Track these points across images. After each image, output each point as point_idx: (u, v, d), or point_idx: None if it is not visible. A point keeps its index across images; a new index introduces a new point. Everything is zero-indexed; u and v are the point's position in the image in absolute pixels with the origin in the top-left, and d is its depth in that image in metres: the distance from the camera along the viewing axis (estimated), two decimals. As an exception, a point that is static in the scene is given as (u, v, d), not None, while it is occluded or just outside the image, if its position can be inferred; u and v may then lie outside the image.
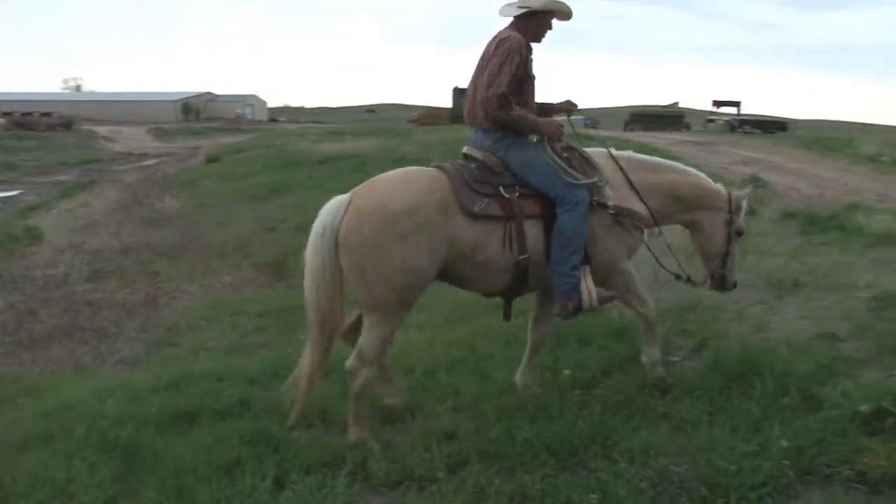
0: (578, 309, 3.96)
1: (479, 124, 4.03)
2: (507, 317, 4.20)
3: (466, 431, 3.77)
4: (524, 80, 3.96)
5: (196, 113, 76.87)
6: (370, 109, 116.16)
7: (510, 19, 4.03)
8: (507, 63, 3.84)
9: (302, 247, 3.82)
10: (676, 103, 57.11)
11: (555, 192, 3.92)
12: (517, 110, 3.86)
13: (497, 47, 3.91)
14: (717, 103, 41.22)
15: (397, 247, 3.61)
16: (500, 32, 4.02)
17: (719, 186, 4.51)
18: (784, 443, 3.34)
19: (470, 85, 4.08)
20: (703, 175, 4.52)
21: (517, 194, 3.91)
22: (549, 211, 3.93)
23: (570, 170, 3.95)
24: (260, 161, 23.60)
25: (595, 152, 4.23)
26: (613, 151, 4.32)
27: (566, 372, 4.58)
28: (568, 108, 4.36)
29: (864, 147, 19.83)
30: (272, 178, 19.16)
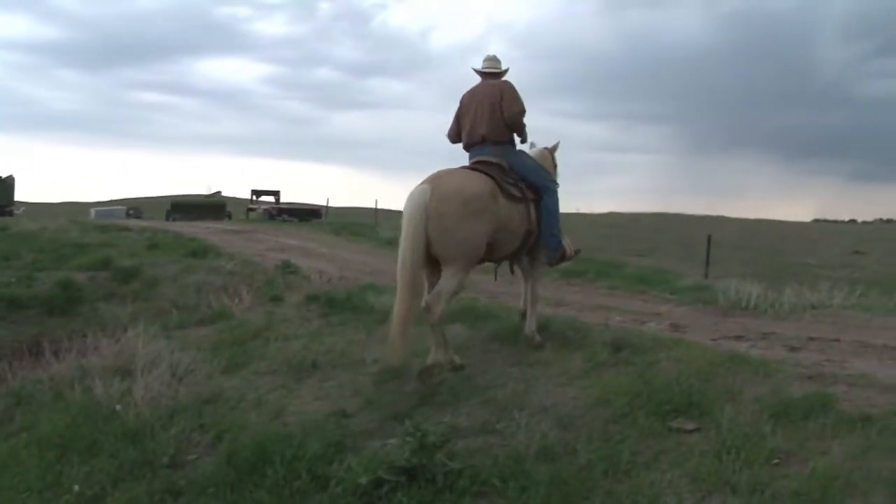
0: (563, 258, 6.03)
1: (496, 135, 5.78)
2: (497, 276, 6.44)
3: None
4: None
5: None
6: None
7: (490, 74, 6.00)
8: (517, 94, 5.80)
9: None
10: (219, 192, 57.56)
11: (540, 183, 5.88)
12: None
13: (500, 90, 5.79)
14: (256, 193, 42.38)
15: (470, 220, 5.17)
16: (485, 84, 5.93)
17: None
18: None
19: (469, 119, 5.84)
20: None
21: (524, 185, 5.75)
22: (538, 196, 5.79)
23: (541, 170, 6.02)
24: None
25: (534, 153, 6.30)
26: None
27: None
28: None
29: (383, 232, 22.09)
30: None
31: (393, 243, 20.45)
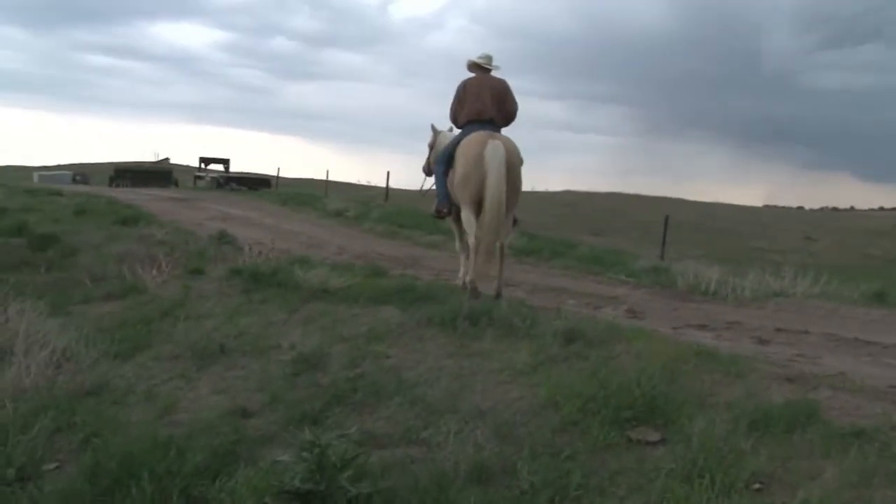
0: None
1: (501, 121, 6.87)
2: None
3: None
4: None
5: None
6: None
7: (487, 69, 7.06)
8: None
9: None
10: (167, 159, 55.70)
11: None
12: None
13: (505, 86, 6.94)
14: (205, 160, 40.90)
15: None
16: (489, 77, 7.01)
17: None
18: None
19: (479, 102, 6.78)
20: None
21: None
22: None
23: None
24: None
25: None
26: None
27: None
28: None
29: (331, 203, 21.19)
30: None
31: (340, 215, 19.82)
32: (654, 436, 3.50)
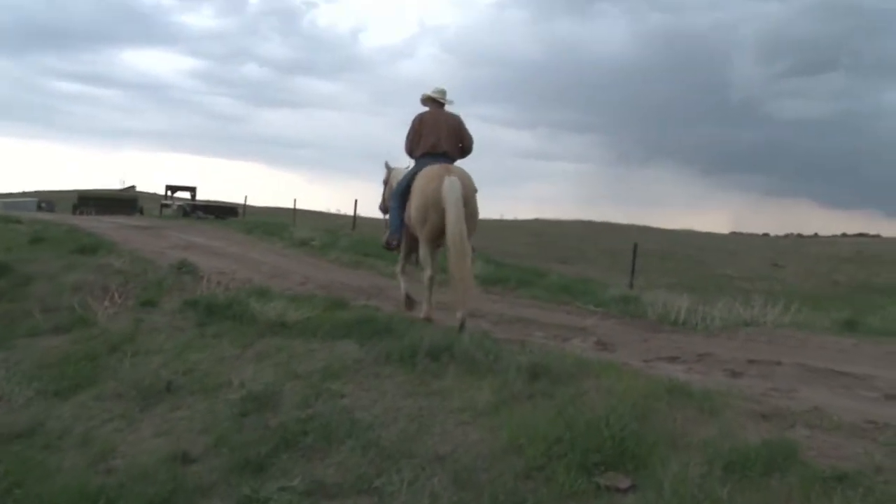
0: None
1: (455, 154, 7.20)
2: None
3: None
4: None
5: None
6: None
7: (442, 103, 7.37)
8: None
9: None
10: (133, 187, 54.99)
11: None
12: None
13: (458, 121, 7.26)
14: (171, 188, 40.33)
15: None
16: (444, 112, 7.30)
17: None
18: None
19: (433, 136, 7.04)
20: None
21: None
22: None
23: None
24: None
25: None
26: None
27: None
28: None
29: (298, 232, 20.82)
30: None
31: (305, 244, 19.49)
32: (624, 482, 3.27)
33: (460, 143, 7.27)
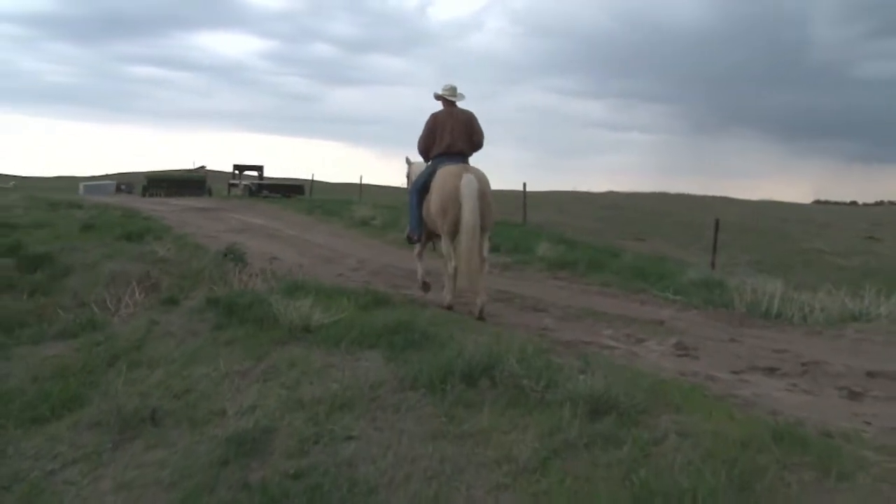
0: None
1: (469, 152, 7.38)
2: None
3: None
4: None
5: None
6: None
7: (454, 100, 7.45)
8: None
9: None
10: (203, 167, 55.36)
11: None
12: None
13: (471, 117, 7.42)
14: (239, 168, 40.24)
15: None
16: (457, 109, 7.44)
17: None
18: None
19: (448, 135, 7.25)
20: None
21: None
22: None
23: None
24: None
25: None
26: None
27: None
28: None
29: (359, 211, 20.12)
30: None
31: (366, 224, 18.68)
32: None
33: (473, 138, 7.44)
